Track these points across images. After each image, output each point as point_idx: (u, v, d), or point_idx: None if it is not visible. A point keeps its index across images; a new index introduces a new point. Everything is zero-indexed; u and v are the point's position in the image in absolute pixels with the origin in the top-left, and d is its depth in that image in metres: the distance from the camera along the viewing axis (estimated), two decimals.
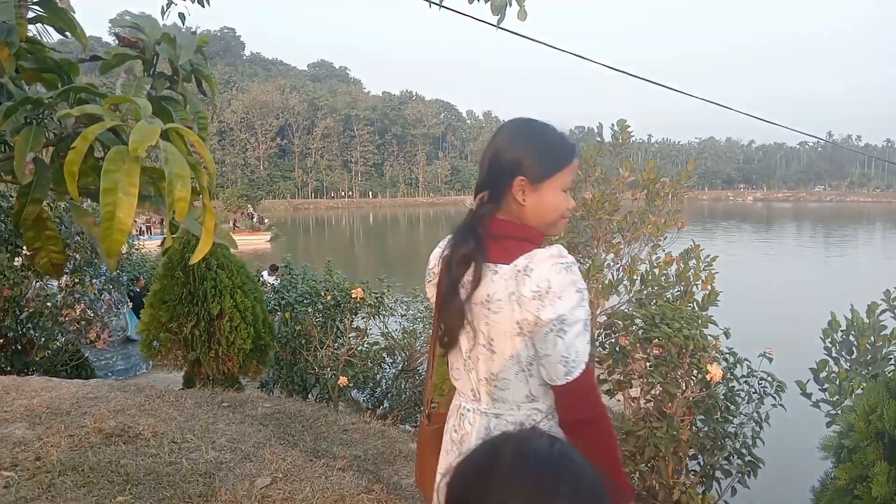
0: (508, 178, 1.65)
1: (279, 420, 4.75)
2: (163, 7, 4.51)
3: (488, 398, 1.68)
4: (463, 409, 1.74)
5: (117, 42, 1.40)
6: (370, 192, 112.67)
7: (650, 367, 5.05)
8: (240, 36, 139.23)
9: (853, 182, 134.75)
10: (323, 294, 6.71)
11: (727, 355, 5.05)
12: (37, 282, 7.64)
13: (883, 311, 4.89)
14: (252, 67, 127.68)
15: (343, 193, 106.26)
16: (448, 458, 1.76)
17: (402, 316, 8.37)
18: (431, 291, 1.84)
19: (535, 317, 1.54)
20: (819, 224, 68.57)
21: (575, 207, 1.82)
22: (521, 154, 1.65)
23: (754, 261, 33.25)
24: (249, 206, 60.10)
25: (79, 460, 3.49)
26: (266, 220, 58.28)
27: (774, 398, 4.92)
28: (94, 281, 8.33)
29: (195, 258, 1.23)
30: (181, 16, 4.50)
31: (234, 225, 52.12)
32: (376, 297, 6.62)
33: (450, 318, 1.69)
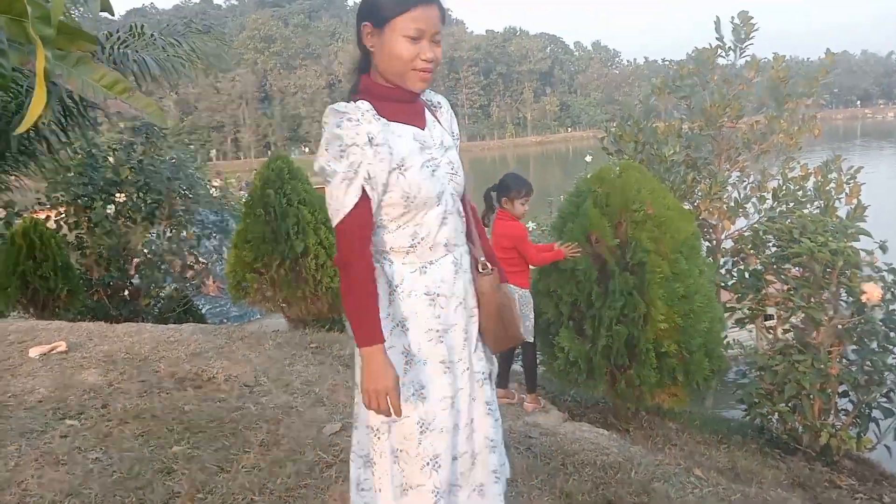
0: (359, 27, 1.68)
1: None
2: None
3: None
4: None
5: None
6: (478, 136, 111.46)
7: (790, 290, 4.28)
8: None
9: None
10: None
11: (885, 273, 4.18)
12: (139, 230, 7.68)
13: None
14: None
15: None
16: None
17: None
18: None
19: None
20: None
21: (438, 59, 1.65)
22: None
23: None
24: None
25: (144, 407, 3.26)
26: None
27: None
28: (193, 229, 8.32)
29: (27, 122, 1.11)
30: None
31: None
32: None
33: None
